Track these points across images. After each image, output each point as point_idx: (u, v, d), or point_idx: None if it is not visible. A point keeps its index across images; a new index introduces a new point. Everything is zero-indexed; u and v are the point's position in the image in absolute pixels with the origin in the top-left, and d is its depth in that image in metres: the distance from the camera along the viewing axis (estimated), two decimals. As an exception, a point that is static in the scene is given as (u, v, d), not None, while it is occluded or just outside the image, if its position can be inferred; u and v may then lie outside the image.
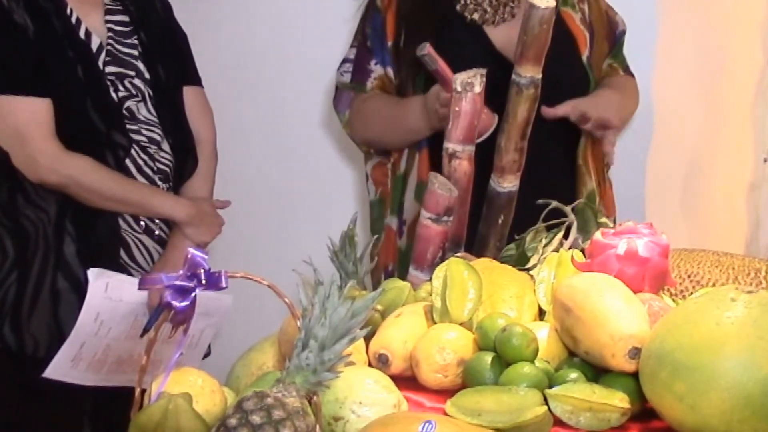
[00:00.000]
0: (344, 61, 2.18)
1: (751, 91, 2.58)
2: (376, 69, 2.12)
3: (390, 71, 2.11)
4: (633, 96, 2.23)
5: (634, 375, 1.19)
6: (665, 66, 2.50)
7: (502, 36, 2.05)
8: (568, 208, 1.61)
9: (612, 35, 2.21)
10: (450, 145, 1.74)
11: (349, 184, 2.72)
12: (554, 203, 1.62)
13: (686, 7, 2.54)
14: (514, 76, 1.70)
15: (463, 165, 1.74)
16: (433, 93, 1.93)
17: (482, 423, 1.13)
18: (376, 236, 2.06)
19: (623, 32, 2.24)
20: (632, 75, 2.25)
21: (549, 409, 1.16)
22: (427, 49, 1.87)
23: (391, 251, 2.16)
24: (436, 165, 1.95)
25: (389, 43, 2.10)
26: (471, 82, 1.70)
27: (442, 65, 1.89)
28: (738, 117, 2.60)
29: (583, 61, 2.12)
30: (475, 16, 2.06)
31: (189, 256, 1.13)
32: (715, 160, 2.61)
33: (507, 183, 1.76)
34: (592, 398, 1.17)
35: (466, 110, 1.71)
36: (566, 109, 2.00)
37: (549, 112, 1.98)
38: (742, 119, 2.59)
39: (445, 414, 1.16)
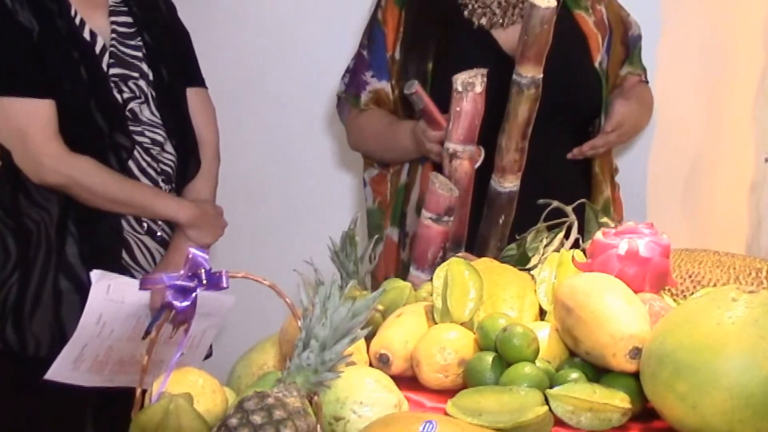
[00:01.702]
0: (346, 71, 2.19)
1: (752, 91, 2.57)
2: (372, 81, 2.11)
3: (387, 85, 2.10)
4: (650, 107, 2.20)
5: (635, 375, 1.19)
6: (667, 66, 2.50)
7: (511, 39, 2.02)
8: (568, 208, 1.61)
9: (626, 38, 2.17)
10: (450, 145, 1.74)
11: (350, 184, 2.72)
12: (555, 203, 1.62)
13: (689, 8, 2.53)
14: (514, 76, 1.70)
15: (463, 165, 1.74)
16: (419, 128, 1.95)
17: (483, 423, 1.13)
18: (376, 236, 2.06)
19: (639, 37, 2.19)
20: (647, 82, 2.22)
21: (550, 409, 1.16)
22: (415, 88, 1.89)
23: (392, 262, 2.15)
24: None
25: (388, 56, 2.10)
26: (472, 82, 1.70)
27: (428, 104, 1.90)
28: (739, 117, 2.59)
29: (595, 66, 2.08)
30: (483, 20, 2.05)
31: (190, 256, 1.13)
32: (717, 160, 2.61)
33: (508, 183, 1.76)
34: (593, 398, 1.17)
35: (467, 110, 1.72)
36: (596, 145, 2.02)
37: (578, 154, 2.02)
38: (744, 119, 2.59)
39: (446, 414, 1.16)
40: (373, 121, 2.12)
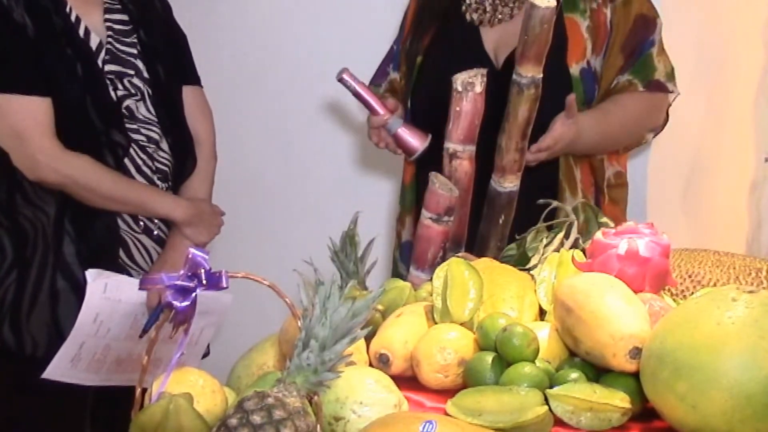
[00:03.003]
0: None
1: (752, 91, 2.58)
2: (390, 72, 2.17)
3: (397, 75, 2.16)
4: (625, 122, 2.01)
5: (635, 375, 1.19)
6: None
7: (496, 38, 2.04)
8: (569, 208, 1.60)
9: (633, 45, 2.00)
10: (451, 145, 1.74)
11: (351, 183, 2.72)
12: (555, 203, 1.61)
13: (689, 7, 2.54)
14: (514, 76, 1.70)
15: (463, 165, 1.74)
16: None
17: (483, 423, 1.13)
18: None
19: (652, 42, 2.00)
20: (661, 89, 2.02)
21: (550, 409, 1.16)
22: (344, 74, 1.93)
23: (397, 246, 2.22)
24: (418, 168, 2.05)
25: (401, 48, 2.15)
26: (472, 82, 1.70)
27: (360, 90, 1.95)
28: (739, 116, 2.60)
29: (569, 70, 1.97)
30: (474, 16, 2.06)
31: (190, 256, 1.13)
32: (717, 160, 2.62)
33: (508, 183, 1.76)
34: (592, 398, 1.17)
35: (467, 110, 1.71)
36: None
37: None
38: (744, 119, 2.59)
39: (446, 414, 1.16)
40: None
